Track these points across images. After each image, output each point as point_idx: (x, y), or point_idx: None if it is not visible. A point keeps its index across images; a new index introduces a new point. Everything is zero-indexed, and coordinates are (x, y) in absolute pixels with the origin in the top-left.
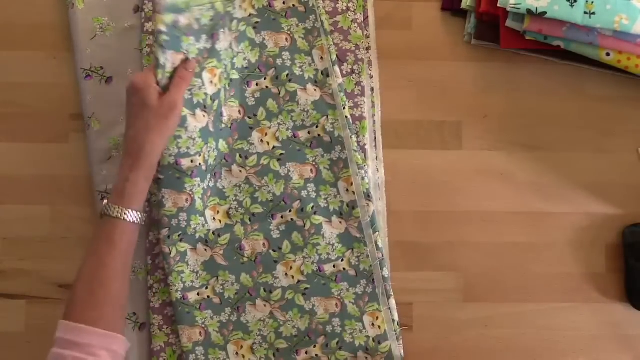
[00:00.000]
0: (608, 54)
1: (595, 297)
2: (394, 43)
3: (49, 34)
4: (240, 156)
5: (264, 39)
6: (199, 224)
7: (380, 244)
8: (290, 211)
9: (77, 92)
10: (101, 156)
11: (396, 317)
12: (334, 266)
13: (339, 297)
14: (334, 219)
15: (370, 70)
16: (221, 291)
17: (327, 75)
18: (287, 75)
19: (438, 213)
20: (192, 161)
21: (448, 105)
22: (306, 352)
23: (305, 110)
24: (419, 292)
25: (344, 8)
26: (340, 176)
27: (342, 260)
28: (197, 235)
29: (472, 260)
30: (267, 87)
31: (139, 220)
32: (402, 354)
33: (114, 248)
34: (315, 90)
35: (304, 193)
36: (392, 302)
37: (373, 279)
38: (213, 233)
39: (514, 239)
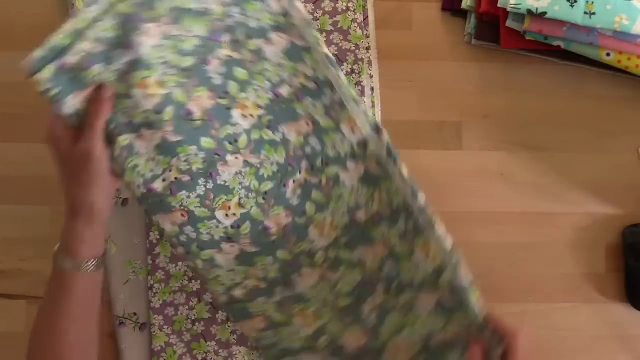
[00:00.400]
0: (608, 54)
1: (595, 297)
2: (394, 43)
3: (49, 34)
4: (230, 142)
5: (283, 134)
6: (210, 227)
7: (405, 173)
8: (300, 173)
9: None
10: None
11: (449, 244)
12: (365, 212)
13: (383, 240)
14: (349, 164)
15: (369, 69)
16: (264, 275)
17: (365, 147)
18: (322, 161)
19: (438, 213)
20: (163, 180)
21: (448, 105)
22: (371, 301)
23: (278, 63)
24: None
25: (344, 8)
26: (340, 118)
27: (372, 203)
28: (216, 237)
29: (472, 260)
30: (306, 179)
31: (92, 269)
32: (469, 278)
33: (68, 300)
34: (354, 168)
35: (307, 149)
36: (440, 228)
37: (411, 211)
38: (231, 227)
39: (514, 239)
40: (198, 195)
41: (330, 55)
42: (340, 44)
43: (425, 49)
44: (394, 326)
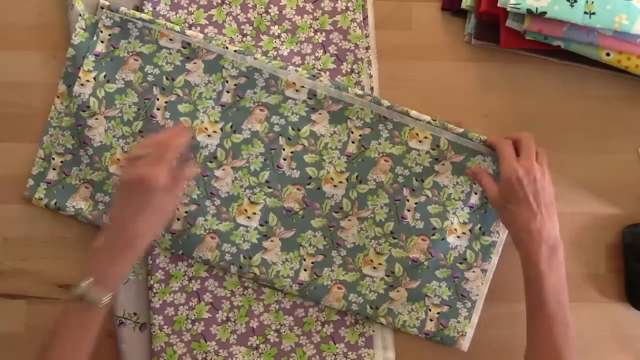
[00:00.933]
0: (608, 54)
1: (595, 297)
2: (394, 43)
3: (49, 34)
4: (210, 162)
5: (250, 129)
6: (242, 235)
7: (359, 92)
8: (284, 150)
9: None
10: None
11: (427, 117)
12: (353, 144)
13: (380, 154)
14: (313, 116)
15: (369, 69)
16: (313, 251)
17: (315, 95)
18: (292, 129)
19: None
20: (177, 219)
21: (448, 105)
22: (408, 206)
23: (207, 82)
24: None
25: (343, 7)
26: (281, 88)
27: (352, 132)
28: (254, 240)
29: None
30: (291, 151)
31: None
32: (459, 129)
33: (90, 333)
34: (320, 117)
35: (276, 128)
36: (413, 111)
37: (383, 115)
38: (260, 225)
39: None
40: (213, 214)
41: (235, 48)
42: (340, 44)
43: (425, 49)
44: (435, 211)
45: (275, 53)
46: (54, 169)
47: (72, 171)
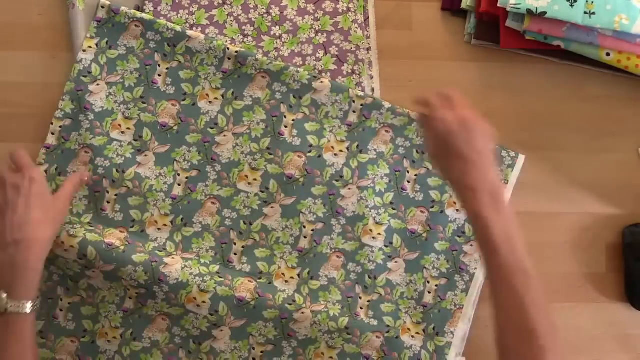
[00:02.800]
0: (608, 54)
1: (595, 297)
2: (394, 43)
3: (49, 34)
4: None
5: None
6: (242, 202)
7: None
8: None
9: None
10: None
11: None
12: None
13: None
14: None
15: (370, 71)
16: (313, 218)
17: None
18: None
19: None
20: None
21: None
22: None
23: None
24: None
25: (345, 9)
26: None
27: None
28: (254, 207)
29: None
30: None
31: (33, 309)
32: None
33: (25, 343)
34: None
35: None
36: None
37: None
38: (261, 191)
39: None
40: (214, 180)
41: (236, 48)
42: (341, 45)
43: (425, 49)
44: (435, 183)
45: (276, 54)
46: (52, 134)
47: (72, 136)
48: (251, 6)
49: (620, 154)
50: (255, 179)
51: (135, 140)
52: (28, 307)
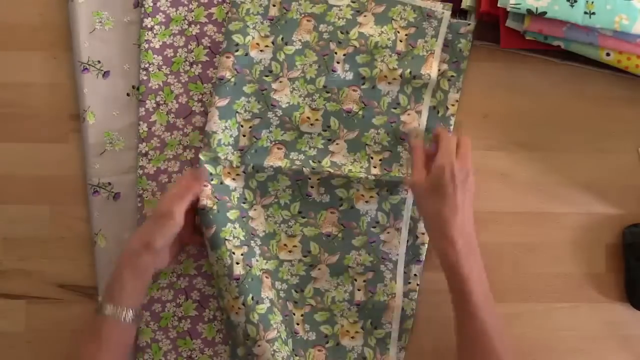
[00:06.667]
0: (608, 54)
1: (595, 297)
2: None
3: (49, 34)
4: (266, 75)
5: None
6: (306, 142)
7: None
8: (335, 50)
9: (77, 93)
10: (95, 150)
11: None
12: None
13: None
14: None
15: None
16: (379, 148)
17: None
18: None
19: None
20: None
21: None
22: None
23: None
24: (420, 293)
25: None
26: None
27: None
28: (319, 147)
29: None
30: None
31: (129, 319)
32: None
33: (101, 345)
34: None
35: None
36: None
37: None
38: (324, 130)
39: (514, 239)
40: (277, 125)
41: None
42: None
43: None
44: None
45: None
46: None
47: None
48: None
49: (620, 154)
50: (317, 119)
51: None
52: (123, 314)
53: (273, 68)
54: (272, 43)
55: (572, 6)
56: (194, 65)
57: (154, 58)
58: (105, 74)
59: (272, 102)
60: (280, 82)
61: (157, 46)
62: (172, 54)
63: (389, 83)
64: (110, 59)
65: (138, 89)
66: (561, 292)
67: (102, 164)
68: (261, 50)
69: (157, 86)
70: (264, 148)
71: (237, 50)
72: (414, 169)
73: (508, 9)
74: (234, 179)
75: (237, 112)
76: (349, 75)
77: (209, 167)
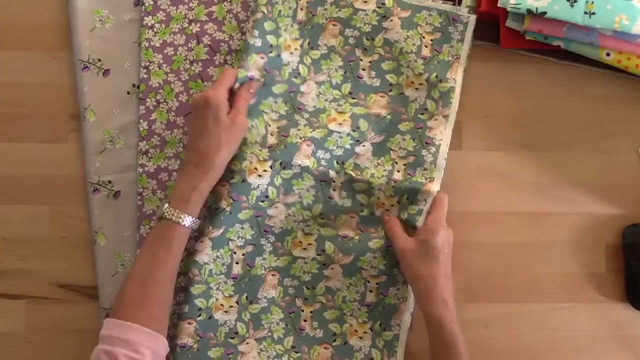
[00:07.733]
0: (608, 54)
1: (595, 297)
2: None
3: (49, 34)
4: (295, 77)
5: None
6: (335, 142)
7: None
8: (360, 57)
9: (77, 92)
10: (95, 148)
11: None
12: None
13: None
14: None
15: None
16: (405, 149)
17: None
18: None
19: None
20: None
21: None
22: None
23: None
24: None
25: None
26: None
27: None
28: (346, 147)
29: (473, 261)
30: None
31: (196, 225)
32: None
33: (171, 250)
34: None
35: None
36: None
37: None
38: (353, 130)
39: (514, 239)
40: (305, 124)
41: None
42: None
43: None
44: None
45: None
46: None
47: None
48: (251, 3)
49: (620, 154)
50: (344, 120)
51: None
52: (184, 219)
53: (301, 71)
54: (300, 46)
55: (572, 6)
56: (194, 64)
57: (154, 56)
58: (106, 72)
59: (299, 106)
60: (308, 85)
61: (158, 44)
62: (172, 52)
63: (416, 89)
64: (111, 57)
65: (138, 87)
66: (561, 292)
67: (102, 162)
68: (291, 53)
69: (157, 84)
70: (293, 144)
71: (270, 52)
72: (396, 237)
73: (508, 9)
74: (260, 176)
75: (263, 112)
76: (377, 82)
77: (233, 163)
